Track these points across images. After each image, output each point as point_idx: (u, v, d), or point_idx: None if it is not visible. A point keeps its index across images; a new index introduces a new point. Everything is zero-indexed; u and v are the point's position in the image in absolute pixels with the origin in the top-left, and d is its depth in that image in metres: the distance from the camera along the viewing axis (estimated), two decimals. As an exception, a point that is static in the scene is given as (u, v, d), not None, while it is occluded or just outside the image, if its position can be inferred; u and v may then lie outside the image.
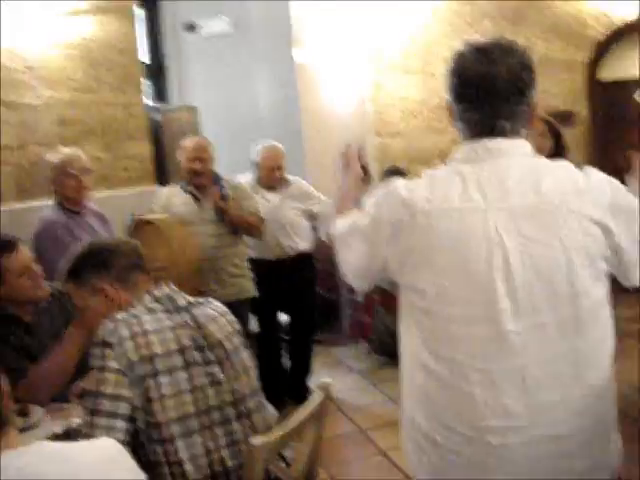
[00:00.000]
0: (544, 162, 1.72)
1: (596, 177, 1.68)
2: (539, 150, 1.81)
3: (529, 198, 1.62)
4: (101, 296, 2.17)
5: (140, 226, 3.83)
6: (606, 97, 7.65)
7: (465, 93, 1.71)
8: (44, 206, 4.29)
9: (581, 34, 7.01)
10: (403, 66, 7.75)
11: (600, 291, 1.68)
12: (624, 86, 7.95)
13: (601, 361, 1.72)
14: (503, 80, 1.66)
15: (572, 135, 7.28)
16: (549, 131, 3.18)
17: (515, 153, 1.69)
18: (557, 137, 3.28)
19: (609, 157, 7.51)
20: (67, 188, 3.81)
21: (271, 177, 4.72)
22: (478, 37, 1.78)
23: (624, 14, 6.99)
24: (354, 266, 1.85)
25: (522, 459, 1.64)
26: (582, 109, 7.21)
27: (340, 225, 1.89)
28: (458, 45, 1.78)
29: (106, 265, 2.17)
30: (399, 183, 1.75)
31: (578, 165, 1.72)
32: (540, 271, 1.60)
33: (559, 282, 1.61)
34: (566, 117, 7.24)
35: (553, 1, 7.20)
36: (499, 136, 1.69)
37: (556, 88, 7.17)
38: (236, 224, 4.22)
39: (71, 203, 3.84)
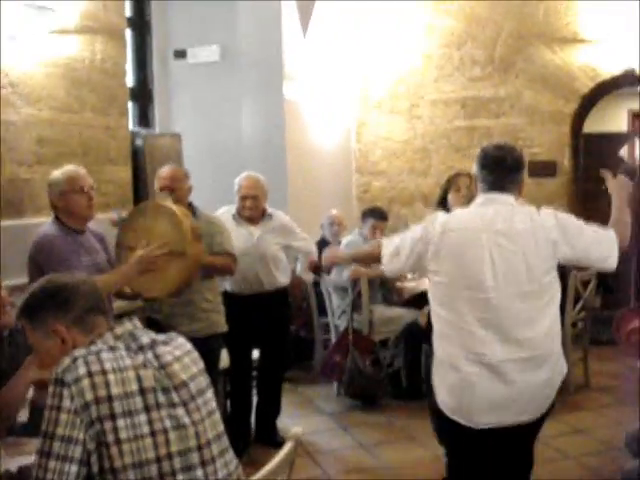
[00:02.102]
0: (518, 207, 2.90)
1: (544, 211, 2.89)
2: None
3: (506, 225, 2.81)
4: (56, 339, 2.06)
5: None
6: (590, 149, 7.69)
7: (487, 165, 2.93)
8: (18, 225, 4.20)
9: (569, 86, 7.06)
10: (390, 106, 7.77)
11: (548, 279, 2.81)
12: (608, 139, 8.01)
13: (547, 314, 2.82)
14: (509, 161, 2.92)
15: (554, 185, 7.34)
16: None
17: (504, 202, 2.89)
18: None
19: (588, 208, 7.55)
20: (77, 205, 3.61)
21: (244, 207, 4.64)
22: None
23: (611, 68, 7.04)
24: (398, 252, 2.99)
25: (502, 373, 2.75)
26: (566, 160, 7.23)
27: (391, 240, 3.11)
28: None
29: (64, 307, 2.05)
30: (440, 214, 3.01)
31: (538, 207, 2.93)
32: (510, 266, 2.77)
33: (521, 272, 2.77)
34: (548, 167, 7.27)
35: (543, 52, 7.26)
36: (503, 191, 2.89)
37: (542, 138, 7.20)
38: (205, 270, 4.06)
39: (77, 222, 3.65)
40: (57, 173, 3.69)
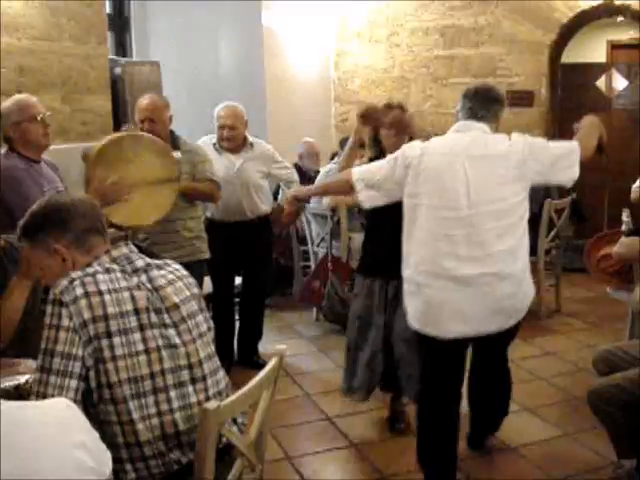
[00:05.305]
0: (491, 135, 3.13)
1: (514, 135, 3.09)
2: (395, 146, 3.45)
3: (481, 150, 3.03)
4: (56, 258, 2.13)
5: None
6: (568, 80, 7.72)
7: (469, 94, 3.19)
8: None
9: (549, 16, 7.03)
10: (369, 35, 7.73)
11: (517, 199, 3.00)
12: (586, 70, 8.03)
13: (513, 234, 3.00)
14: (491, 93, 3.23)
15: (531, 115, 7.39)
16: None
17: (479, 129, 3.13)
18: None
19: (566, 138, 7.63)
20: (33, 135, 3.53)
21: (222, 137, 4.66)
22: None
23: (591, -1, 7.02)
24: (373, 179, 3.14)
25: (468, 285, 2.94)
26: (543, 90, 7.26)
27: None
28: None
29: (63, 227, 2.11)
30: (416, 142, 3.17)
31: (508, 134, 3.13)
32: (483, 187, 2.96)
33: (494, 192, 2.96)
34: (526, 97, 7.31)
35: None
36: (479, 120, 3.14)
37: (520, 68, 7.21)
38: (189, 196, 4.15)
39: (33, 151, 3.57)
40: (8, 103, 3.58)
